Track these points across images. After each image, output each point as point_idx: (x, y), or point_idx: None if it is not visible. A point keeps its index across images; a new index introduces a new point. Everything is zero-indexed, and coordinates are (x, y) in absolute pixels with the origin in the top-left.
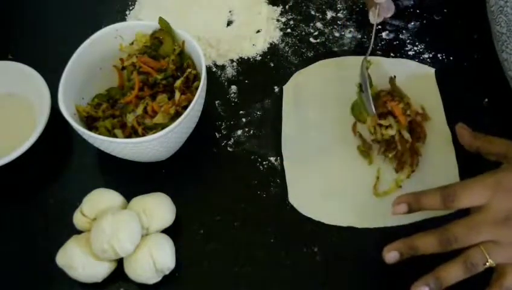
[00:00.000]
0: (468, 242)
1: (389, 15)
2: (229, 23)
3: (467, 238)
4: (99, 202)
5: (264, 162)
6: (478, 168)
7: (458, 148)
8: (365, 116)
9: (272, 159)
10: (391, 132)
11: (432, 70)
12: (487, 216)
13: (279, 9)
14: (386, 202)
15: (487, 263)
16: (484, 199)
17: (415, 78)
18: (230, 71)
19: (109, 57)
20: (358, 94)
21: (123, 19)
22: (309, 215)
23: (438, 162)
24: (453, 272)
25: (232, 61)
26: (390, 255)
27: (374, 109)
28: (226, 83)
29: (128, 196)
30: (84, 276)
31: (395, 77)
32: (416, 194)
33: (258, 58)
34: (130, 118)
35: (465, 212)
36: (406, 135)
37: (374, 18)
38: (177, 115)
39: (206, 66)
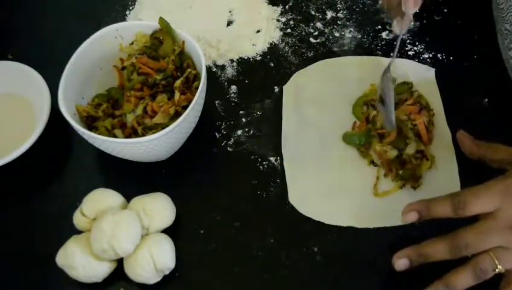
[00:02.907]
0: (478, 249)
1: (412, 23)
2: (229, 23)
3: (477, 244)
4: (99, 202)
5: (264, 162)
6: (478, 168)
7: (458, 148)
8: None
9: (272, 159)
10: (410, 150)
11: (432, 70)
12: (497, 222)
13: (279, 9)
14: (386, 202)
15: (496, 269)
16: (494, 206)
17: (415, 78)
18: (230, 71)
19: (109, 57)
20: (378, 106)
21: (123, 19)
22: (309, 215)
23: (438, 163)
24: (463, 279)
25: (232, 61)
26: (400, 262)
27: (394, 123)
28: (226, 83)
29: (128, 196)
30: (84, 276)
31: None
32: (426, 202)
33: (258, 58)
34: (130, 118)
35: (469, 218)
36: (412, 152)
37: (399, 29)
38: (177, 115)
39: (206, 66)
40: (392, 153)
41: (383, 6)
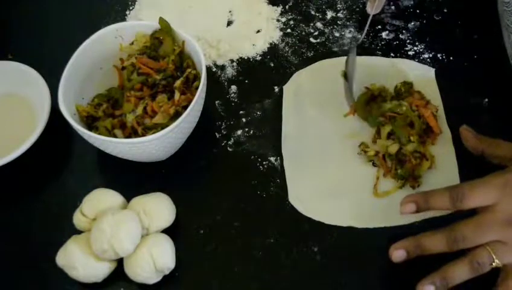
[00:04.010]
0: (475, 242)
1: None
2: (229, 23)
3: (475, 238)
4: (99, 202)
5: (264, 162)
6: (478, 168)
7: (458, 148)
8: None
9: (272, 159)
10: (410, 147)
11: (432, 70)
12: (495, 216)
13: (279, 9)
14: (386, 202)
15: (493, 263)
16: (492, 200)
17: (415, 78)
18: (230, 71)
19: (109, 57)
20: (343, 82)
21: (123, 19)
22: (309, 215)
23: (438, 162)
24: (459, 272)
25: (232, 61)
26: (397, 253)
27: (354, 98)
28: (226, 83)
29: (128, 196)
30: (84, 276)
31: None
32: (425, 193)
33: (258, 58)
34: (130, 118)
35: (467, 212)
36: (412, 149)
37: (371, 9)
38: (177, 115)
39: (206, 66)
40: (394, 147)
41: None
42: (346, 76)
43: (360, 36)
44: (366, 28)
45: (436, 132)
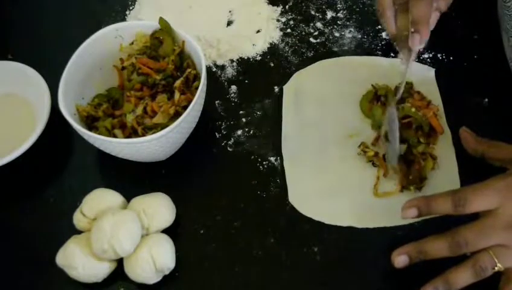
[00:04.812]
0: (478, 246)
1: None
2: (229, 23)
3: (477, 242)
4: (99, 202)
5: (264, 162)
6: (478, 168)
7: (458, 148)
8: (375, 114)
9: (272, 159)
10: (420, 148)
11: (432, 70)
12: (497, 221)
13: (279, 9)
14: (386, 202)
15: (496, 267)
16: (494, 204)
17: (415, 78)
18: (230, 71)
19: (109, 57)
20: (383, 142)
21: (123, 19)
22: (309, 215)
23: (438, 162)
24: (462, 276)
25: (232, 61)
26: (400, 259)
27: (395, 162)
28: (226, 83)
29: (128, 196)
30: (84, 276)
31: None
32: (427, 198)
33: (258, 58)
34: (130, 118)
35: (468, 215)
36: (422, 149)
37: (405, 62)
38: (177, 115)
39: (206, 66)
40: (402, 149)
41: (391, 39)
42: (387, 136)
43: (399, 87)
44: (403, 84)
45: (439, 132)
